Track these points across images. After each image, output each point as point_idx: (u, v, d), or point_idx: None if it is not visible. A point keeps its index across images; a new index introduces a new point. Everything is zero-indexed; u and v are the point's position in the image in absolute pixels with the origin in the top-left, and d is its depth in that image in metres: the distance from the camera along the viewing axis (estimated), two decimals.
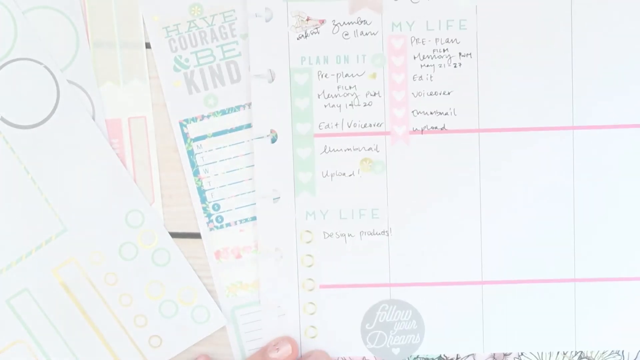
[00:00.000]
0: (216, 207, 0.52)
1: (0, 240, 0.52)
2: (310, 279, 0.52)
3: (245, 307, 0.53)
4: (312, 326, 0.52)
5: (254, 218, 0.53)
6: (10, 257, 0.52)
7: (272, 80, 0.51)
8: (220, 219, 0.53)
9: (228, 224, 0.53)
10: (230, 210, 0.53)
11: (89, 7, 0.52)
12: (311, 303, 0.52)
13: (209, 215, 0.53)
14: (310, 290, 0.52)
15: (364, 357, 0.53)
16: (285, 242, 0.52)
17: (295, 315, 0.52)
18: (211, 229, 0.53)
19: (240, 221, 0.53)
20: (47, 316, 0.52)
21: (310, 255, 0.52)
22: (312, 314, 0.52)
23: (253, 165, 0.52)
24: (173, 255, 0.52)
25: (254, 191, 0.52)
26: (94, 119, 0.52)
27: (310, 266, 0.52)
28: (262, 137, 0.51)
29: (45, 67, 0.51)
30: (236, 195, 0.52)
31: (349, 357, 0.53)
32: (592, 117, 0.51)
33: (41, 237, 0.52)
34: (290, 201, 0.52)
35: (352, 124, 0.51)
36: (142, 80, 0.52)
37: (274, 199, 0.52)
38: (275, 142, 0.52)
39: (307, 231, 0.52)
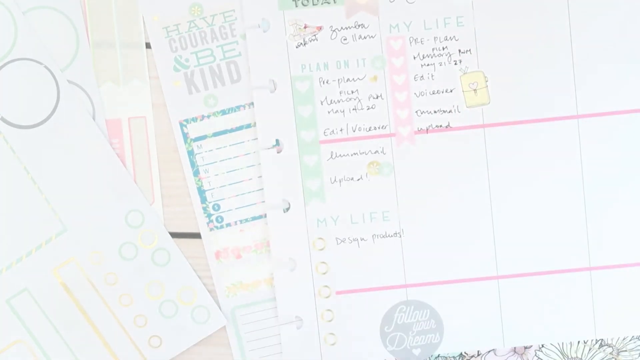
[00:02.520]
0: (216, 207, 0.52)
1: (0, 240, 0.52)
2: (326, 286, 0.52)
3: (245, 307, 0.53)
4: (331, 333, 0.52)
5: (254, 218, 0.52)
6: (10, 257, 0.52)
7: (274, 89, 0.51)
8: (220, 219, 0.52)
9: (228, 224, 0.52)
10: (230, 210, 0.52)
11: (89, 7, 0.52)
12: (329, 310, 0.52)
13: (209, 216, 0.52)
14: (327, 297, 0.52)
15: None
16: (298, 251, 0.52)
17: (314, 324, 0.52)
18: (211, 229, 0.53)
19: (240, 221, 0.52)
20: (47, 316, 0.52)
21: (324, 263, 0.52)
22: (330, 321, 0.52)
23: (253, 165, 0.52)
24: (173, 255, 0.52)
25: (253, 191, 0.52)
26: (94, 119, 0.52)
27: (324, 273, 0.52)
28: (269, 148, 0.51)
29: (45, 67, 0.51)
30: (236, 196, 0.52)
31: None
32: (596, 104, 0.51)
33: (41, 237, 0.52)
34: (300, 210, 0.52)
35: (357, 128, 0.51)
36: (142, 80, 0.52)
37: (284, 209, 0.52)
38: (282, 152, 0.51)
39: (320, 238, 0.52)
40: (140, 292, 0.52)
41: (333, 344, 0.52)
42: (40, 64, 0.51)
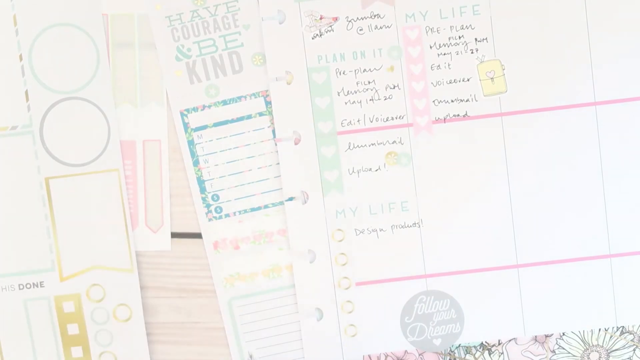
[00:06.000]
0: (215, 197, 0.52)
1: None
2: (345, 278, 0.52)
3: (242, 298, 0.53)
4: (352, 325, 0.52)
5: (253, 209, 0.52)
6: None
7: (291, 81, 0.51)
8: (219, 209, 0.52)
9: (227, 215, 0.52)
10: (230, 201, 0.52)
11: (112, 27, 0.51)
12: (349, 301, 0.52)
13: (208, 206, 0.52)
14: (347, 288, 0.52)
15: (406, 351, 0.52)
16: (317, 242, 0.52)
17: (334, 316, 0.52)
18: (210, 220, 0.52)
19: (240, 212, 0.52)
20: None
21: (343, 254, 0.52)
22: (350, 312, 0.52)
23: (253, 157, 0.52)
24: None
25: (253, 182, 0.52)
26: (108, 139, 0.51)
27: (344, 265, 0.52)
28: (287, 140, 0.51)
29: None
30: (235, 186, 0.52)
31: (391, 352, 0.52)
32: (614, 91, 0.51)
33: None
34: (319, 201, 0.52)
35: (374, 119, 0.51)
36: (159, 104, 0.52)
37: (302, 201, 0.51)
38: (299, 144, 0.51)
39: (339, 230, 0.52)
40: None
41: (353, 336, 0.52)
42: None
